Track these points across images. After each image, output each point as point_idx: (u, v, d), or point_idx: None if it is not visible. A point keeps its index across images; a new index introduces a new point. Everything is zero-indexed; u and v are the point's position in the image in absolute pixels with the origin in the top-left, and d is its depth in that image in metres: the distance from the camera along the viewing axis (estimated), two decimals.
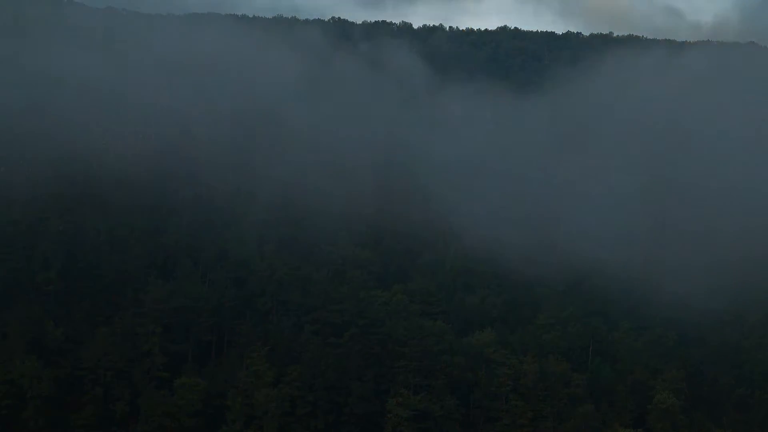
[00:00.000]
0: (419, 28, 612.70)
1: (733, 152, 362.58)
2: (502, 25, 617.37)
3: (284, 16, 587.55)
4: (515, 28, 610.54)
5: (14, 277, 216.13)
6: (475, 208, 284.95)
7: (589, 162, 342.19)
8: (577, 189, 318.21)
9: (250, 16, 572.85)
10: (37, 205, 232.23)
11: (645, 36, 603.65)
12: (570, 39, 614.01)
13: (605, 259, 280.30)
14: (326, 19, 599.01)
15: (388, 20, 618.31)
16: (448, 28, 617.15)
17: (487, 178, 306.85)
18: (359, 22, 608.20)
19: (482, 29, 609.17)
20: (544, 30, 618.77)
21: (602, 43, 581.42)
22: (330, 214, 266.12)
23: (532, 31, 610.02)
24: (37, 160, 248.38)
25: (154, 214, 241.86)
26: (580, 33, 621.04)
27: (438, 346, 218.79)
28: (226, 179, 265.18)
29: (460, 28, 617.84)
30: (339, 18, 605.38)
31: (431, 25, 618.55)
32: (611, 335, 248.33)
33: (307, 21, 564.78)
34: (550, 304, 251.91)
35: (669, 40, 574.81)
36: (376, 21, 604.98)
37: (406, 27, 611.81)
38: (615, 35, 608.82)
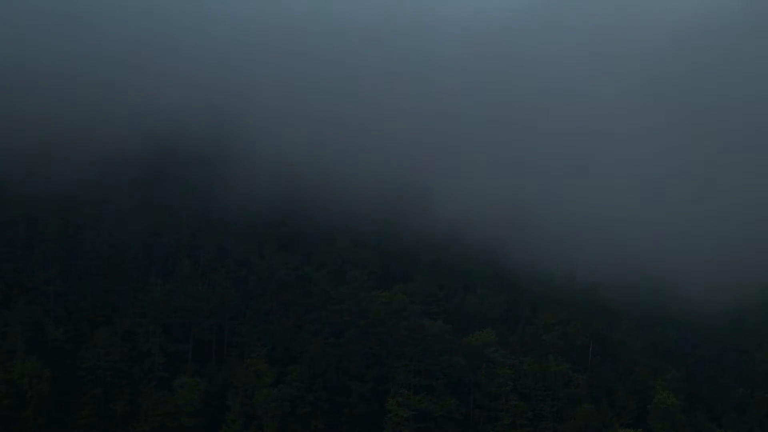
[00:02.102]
0: None
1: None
2: None
3: None
4: None
5: (14, 277, 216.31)
6: (476, 208, 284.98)
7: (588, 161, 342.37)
8: (576, 188, 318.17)
9: None
10: (37, 204, 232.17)
11: None
12: None
13: (605, 258, 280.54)
14: None
15: None
16: None
17: (488, 177, 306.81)
18: None
19: None
20: None
21: None
22: (330, 214, 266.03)
23: None
24: (37, 159, 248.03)
25: (154, 214, 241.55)
26: None
27: (438, 346, 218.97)
28: (226, 178, 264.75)
29: None
30: None
31: None
32: (611, 335, 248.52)
33: None
34: (550, 304, 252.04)
35: None
36: None
37: None
38: None
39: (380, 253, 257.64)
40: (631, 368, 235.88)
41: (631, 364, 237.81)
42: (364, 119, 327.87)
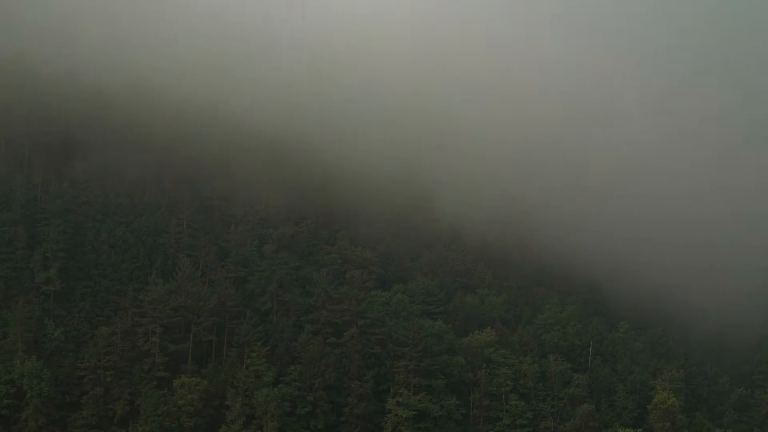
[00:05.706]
0: None
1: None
2: None
3: None
4: None
5: (14, 277, 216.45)
6: (476, 208, 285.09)
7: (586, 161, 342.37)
8: (575, 189, 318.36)
9: None
10: (37, 204, 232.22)
11: None
12: None
13: (605, 259, 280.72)
14: None
15: None
16: None
17: (488, 177, 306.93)
18: None
19: None
20: None
21: None
22: (330, 214, 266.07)
23: None
24: (37, 159, 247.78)
25: (154, 214, 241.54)
26: None
27: (438, 346, 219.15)
28: (226, 178, 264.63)
29: None
30: None
31: None
32: (611, 335, 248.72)
33: None
34: (550, 304, 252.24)
35: None
36: None
37: None
38: None
39: (380, 253, 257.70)
40: (631, 368, 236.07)
41: (631, 364, 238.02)
42: (364, 118, 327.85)
